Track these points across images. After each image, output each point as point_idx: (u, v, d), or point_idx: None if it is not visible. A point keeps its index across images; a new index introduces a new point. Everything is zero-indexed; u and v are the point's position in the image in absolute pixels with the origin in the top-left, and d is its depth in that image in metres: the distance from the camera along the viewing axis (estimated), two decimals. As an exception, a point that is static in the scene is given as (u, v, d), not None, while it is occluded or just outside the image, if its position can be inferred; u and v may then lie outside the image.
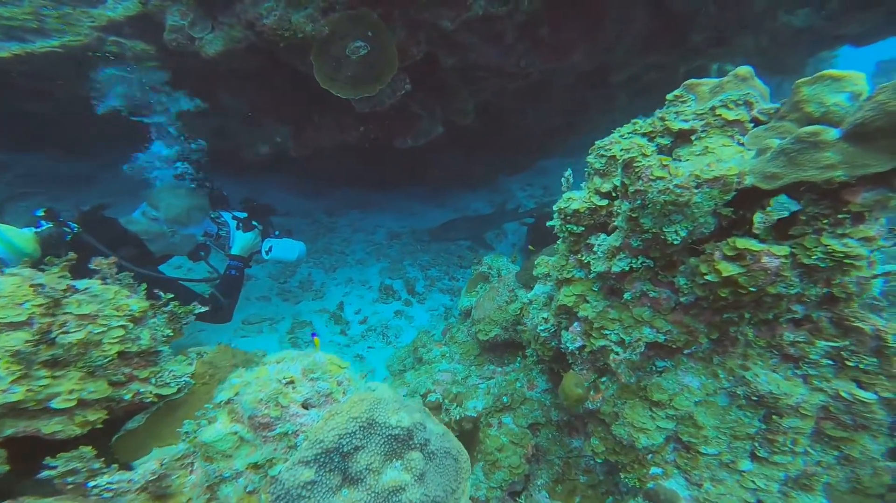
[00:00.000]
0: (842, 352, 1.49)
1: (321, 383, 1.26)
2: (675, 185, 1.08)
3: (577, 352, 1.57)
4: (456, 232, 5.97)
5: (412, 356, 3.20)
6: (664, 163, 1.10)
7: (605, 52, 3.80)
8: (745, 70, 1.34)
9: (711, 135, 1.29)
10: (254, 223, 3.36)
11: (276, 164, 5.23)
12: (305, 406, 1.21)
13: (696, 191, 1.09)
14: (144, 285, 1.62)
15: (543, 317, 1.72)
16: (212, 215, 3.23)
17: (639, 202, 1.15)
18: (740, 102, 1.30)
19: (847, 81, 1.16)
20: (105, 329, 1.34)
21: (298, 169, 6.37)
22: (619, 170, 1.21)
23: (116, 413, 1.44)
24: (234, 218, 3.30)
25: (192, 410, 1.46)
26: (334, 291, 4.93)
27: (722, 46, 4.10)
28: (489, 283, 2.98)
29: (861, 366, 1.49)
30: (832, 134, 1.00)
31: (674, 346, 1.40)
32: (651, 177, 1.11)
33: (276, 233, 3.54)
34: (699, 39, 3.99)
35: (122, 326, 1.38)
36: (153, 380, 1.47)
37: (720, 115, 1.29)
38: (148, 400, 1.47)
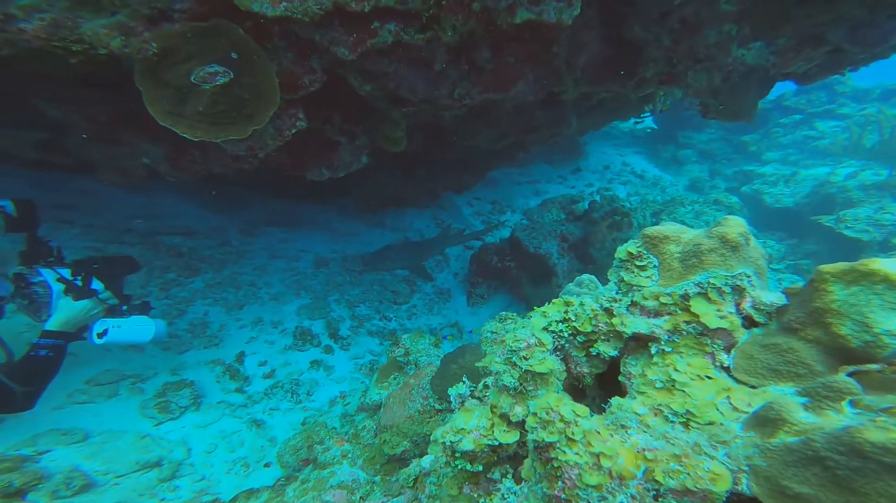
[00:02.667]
0: None
1: None
2: (619, 517, 0.56)
3: None
4: (392, 261, 5.35)
5: (306, 450, 2.59)
6: (602, 460, 0.58)
7: (552, 82, 3.30)
8: (735, 231, 0.85)
9: (681, 350, 0.79)
10: (95, 287, 2.54)
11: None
12: None
13: (654, 515, 0.58)
14: None
15: (435, 528, 1.19)
16: (16, 271, 2.38)
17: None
18: (726, 290, 0.81)
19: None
20: None
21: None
22: (531, 449, 0.68)
23: None
24: (62, 280, 2.46)
25: None
26: (236, 337, 4.14)
27: (674, 83, 3.77)
28: (403, 376, 2.42)
29: None
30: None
31: None
32: (579, 483, 0.59)
33: (124, 307, 2.73)
34: (650, 74, 3.62)
35: None
36: None
37: (697, 315, 0.79)
38: None
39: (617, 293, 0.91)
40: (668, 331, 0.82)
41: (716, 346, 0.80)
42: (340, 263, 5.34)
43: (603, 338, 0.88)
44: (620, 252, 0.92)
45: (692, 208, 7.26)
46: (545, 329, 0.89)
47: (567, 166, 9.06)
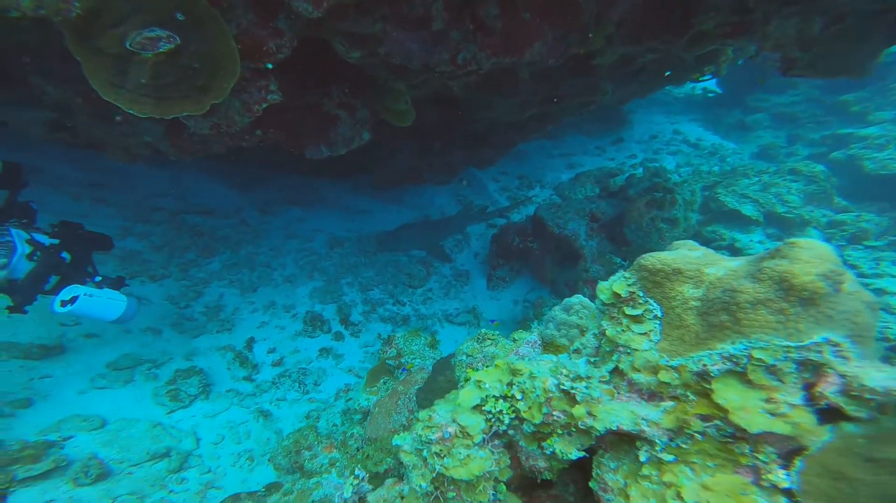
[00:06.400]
0: None
1: None
2: None
3: None
4: (408, 241, 5.11)
5: (295, 454, 2.47)
6: None
7: (577, 42, 2.79)
8: (811, 271, 0.49)
9: (692, 460, 0.46)
10: (64, 255, 2.47)
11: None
12: None
13: None
14: None
15: None
16: None
17: None
18: (785, 370, 0.46)
19: None
20: None
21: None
22: None
23: None
24: (32, 242, 2.37)
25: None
26: (248, 321, 4.13)
27: (745, 35, 3.05)
28: (393, 380, 2.21)
29: None
30: None
31: None
32: None
33: (97, 277, 2.63)
34: (711, 25, 2.94)
35: None
36: None
37: (723, 408, 0.45)
38: None
39: (589, 360, 0.58)
40: (668, 429, 0.49)
41: (760, 457, 0.46)
42: (355, 243, 5.18)
43: (561, 431, 0.57)
44: (603, 291, 0.58)
45: (759, 179, 6.18)
46: (477, 408, 0.58)
47: (607, 136, 8.24)
